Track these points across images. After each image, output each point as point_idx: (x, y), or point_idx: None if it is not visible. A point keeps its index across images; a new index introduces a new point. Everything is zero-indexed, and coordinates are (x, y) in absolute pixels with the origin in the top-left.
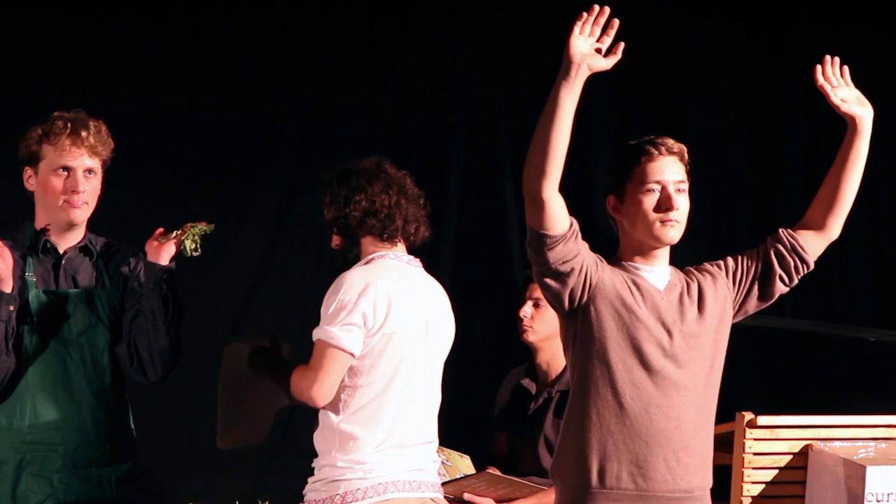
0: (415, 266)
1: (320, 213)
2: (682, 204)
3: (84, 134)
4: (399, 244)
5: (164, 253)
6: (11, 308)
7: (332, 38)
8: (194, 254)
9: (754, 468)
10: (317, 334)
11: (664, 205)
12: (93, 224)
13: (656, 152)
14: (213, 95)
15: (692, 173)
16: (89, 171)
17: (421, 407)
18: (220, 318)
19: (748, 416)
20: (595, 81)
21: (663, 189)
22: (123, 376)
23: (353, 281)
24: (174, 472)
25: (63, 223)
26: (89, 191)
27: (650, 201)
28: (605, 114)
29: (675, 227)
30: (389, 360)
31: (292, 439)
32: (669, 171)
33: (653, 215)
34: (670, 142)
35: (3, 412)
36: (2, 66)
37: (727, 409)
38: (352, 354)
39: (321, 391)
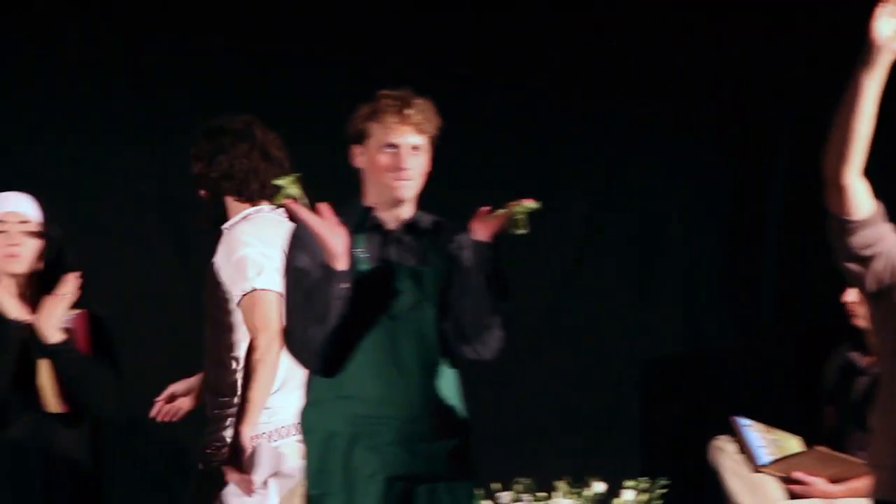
0: (285, 217)
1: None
2: None
3: (410, 111)
4: (262, 203)
5: (489, 231)
6: (345, 285)
7: None
8: (521, 231)
9: None
10: (246, 288)
11: None
12: (421, 201)
13: None
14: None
15: None
16: (416, 148)
17: None
18: (539, 297)
19: None
20: None
21: None
22: (451, 352)
23: (248, 232)
24: (495, 448)
25: (391, 200)
26: (416, 168)
27: None
28: None
29: None
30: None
31: (622, 414)
32: None
33: None
34: None
35: (334, 386)
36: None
37: None
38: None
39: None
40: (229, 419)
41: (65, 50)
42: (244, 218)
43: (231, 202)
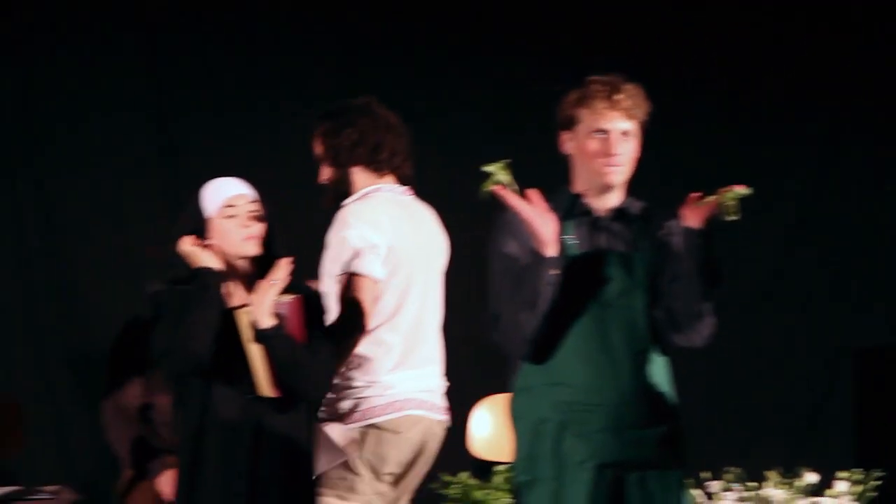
0: (408, 196)
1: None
2: None
3: (620, 97)
4: (387, 176)
5: (699, 217)
6: (555, 271)
7: None
8: (732, 218)
9: None
10: (343, 269)
11: None
12: (632, 187)
13: None
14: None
15: None
16: (625, 133)
17: (428, 328)
18: (750, 284)
19: None
20: None
21: None
22: (662, 339)
23: (357, 213)
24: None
25: (600, 186)
26: (626, 153)
27: None
28: None
29: None
30: (397, 286)
31: (835, 405)
32: None
33: None
34: None
35: (544, 373)
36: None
37: None
38: (377, 281)
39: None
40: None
41: None
42: (362, 196)
43: (359, 176)
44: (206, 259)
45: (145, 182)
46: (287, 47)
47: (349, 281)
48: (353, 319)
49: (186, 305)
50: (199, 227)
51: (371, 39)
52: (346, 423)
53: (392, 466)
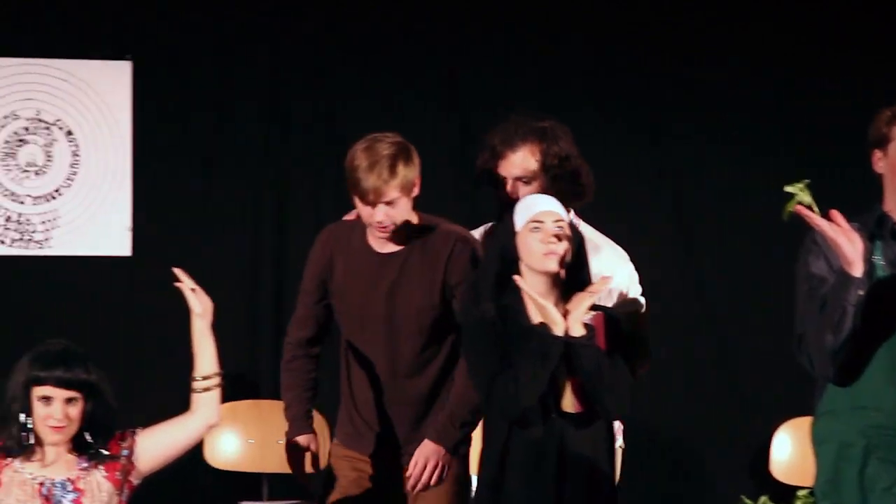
0: None
1: None
2: None
3: None
4: None
5: None
6: (860, 292)
7: None
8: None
9: None
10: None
11: None
12: None
13: None
14: None
15: None
16: None
17: None
18: None
19: None
20: None
21: None
22: None
23: (613, 244)
24: None
25: None
26: None
27: None
28: None
29: None
30: None
31: None
32: None
33: None
34: None
35: (849, 396)
36: None
37: None
38: None
39: None
40: None
41: None
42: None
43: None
44: (554, 317)
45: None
46: None
47: (640, 308)
48: (645, 345)
49: (517, 344)
50: (509, 240)
51: None
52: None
53: None
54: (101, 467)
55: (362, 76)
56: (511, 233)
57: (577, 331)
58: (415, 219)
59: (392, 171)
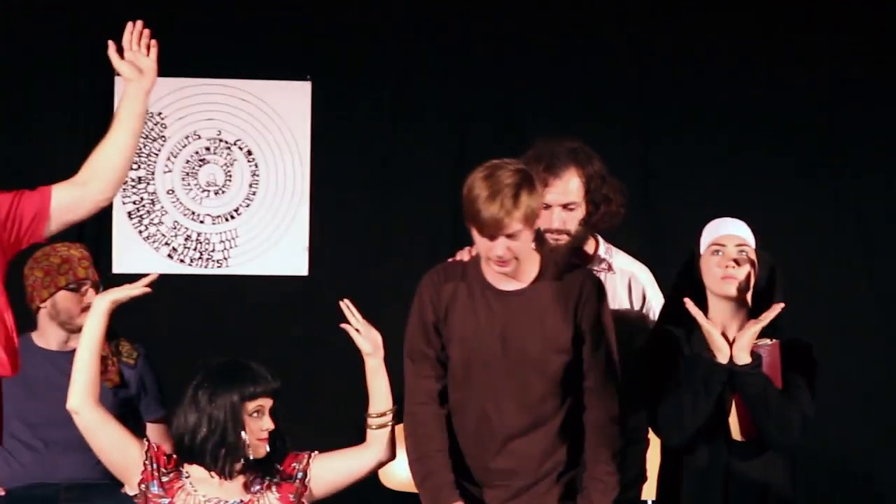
0: None
1: None
2: None
3: None
4: None
5: None
6: None
7: None
8: None
9: None
10: None
11: None
12: None
13: None
14: None
15: None
16: None
17: None
18: None
19: None
20: None
21: None
22: None
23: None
24: None
25: None
26: None
27: None
28: None
29: None
30: None
31: None
32: None
33: None
34: None
35: None
36: None
37: None
38: None
39: None
40: None
41: None
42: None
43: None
44: (718, 344)
45: None
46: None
47: None
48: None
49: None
50: (693, 261)
51: None
52: None
53: None
54: (274, 489)
55: (550, 94)
56: (696, 253)
57: (743, 359)
58: (535, 253)
59: (515, 200)
